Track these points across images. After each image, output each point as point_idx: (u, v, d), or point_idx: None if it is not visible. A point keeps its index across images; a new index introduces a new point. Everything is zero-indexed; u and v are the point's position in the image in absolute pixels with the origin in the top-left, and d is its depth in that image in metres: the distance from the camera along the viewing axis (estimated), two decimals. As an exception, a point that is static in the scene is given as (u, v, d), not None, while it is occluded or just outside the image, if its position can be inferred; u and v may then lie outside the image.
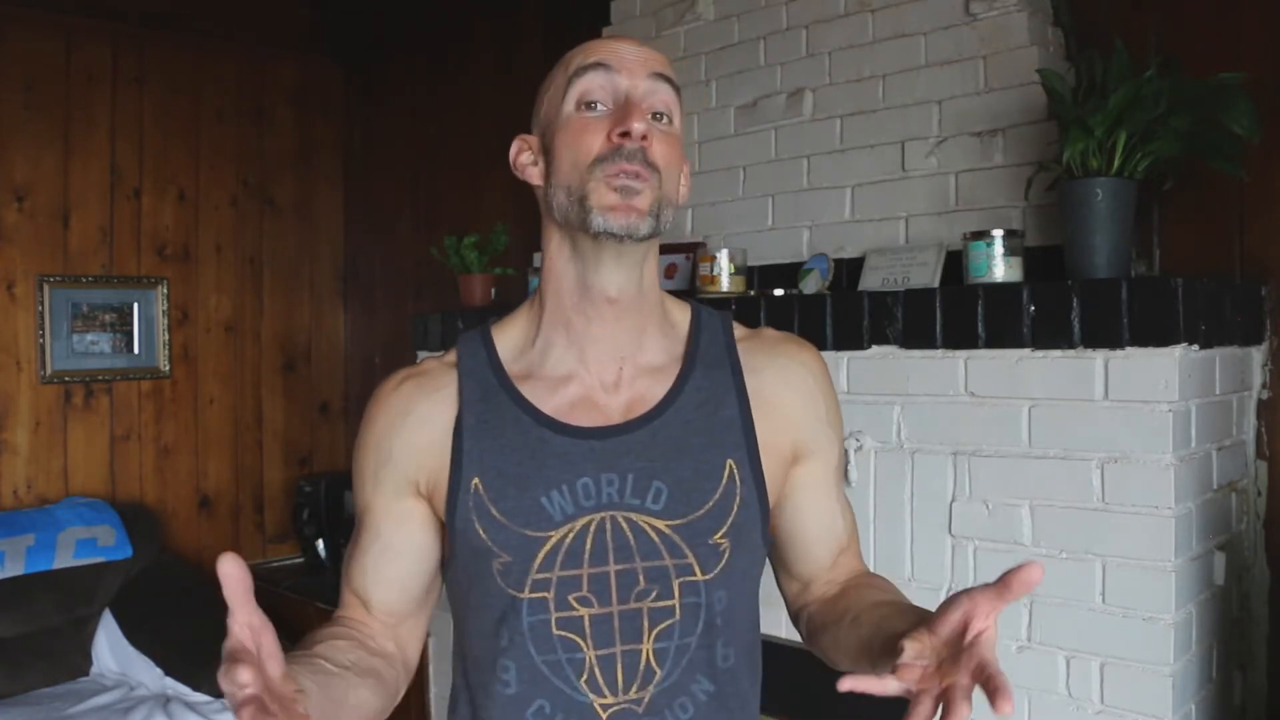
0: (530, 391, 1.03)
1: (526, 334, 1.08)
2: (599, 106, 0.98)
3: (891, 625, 0.92)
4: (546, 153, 1.02)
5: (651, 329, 1.06)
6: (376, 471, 1.07)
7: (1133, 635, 1.71)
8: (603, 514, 0.99)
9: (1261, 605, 1.97)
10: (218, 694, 2.97)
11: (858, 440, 2.05)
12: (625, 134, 0.95)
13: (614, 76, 0.98)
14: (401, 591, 1.07)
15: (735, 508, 1.02)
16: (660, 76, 1.00)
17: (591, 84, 0.98)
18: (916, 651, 0.79)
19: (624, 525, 0.99)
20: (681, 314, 1.11)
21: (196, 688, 2.99)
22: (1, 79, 3.47)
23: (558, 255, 1.03)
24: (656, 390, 1.04)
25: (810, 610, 1.13)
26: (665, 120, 1.00)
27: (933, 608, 0.85)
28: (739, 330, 1.12)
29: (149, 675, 3.08)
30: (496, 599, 1.00)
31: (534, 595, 0.98)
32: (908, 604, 1.00)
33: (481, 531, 0.99)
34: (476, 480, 1.00)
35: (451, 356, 1.08)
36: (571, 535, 0.99)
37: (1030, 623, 1.84)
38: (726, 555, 1.02)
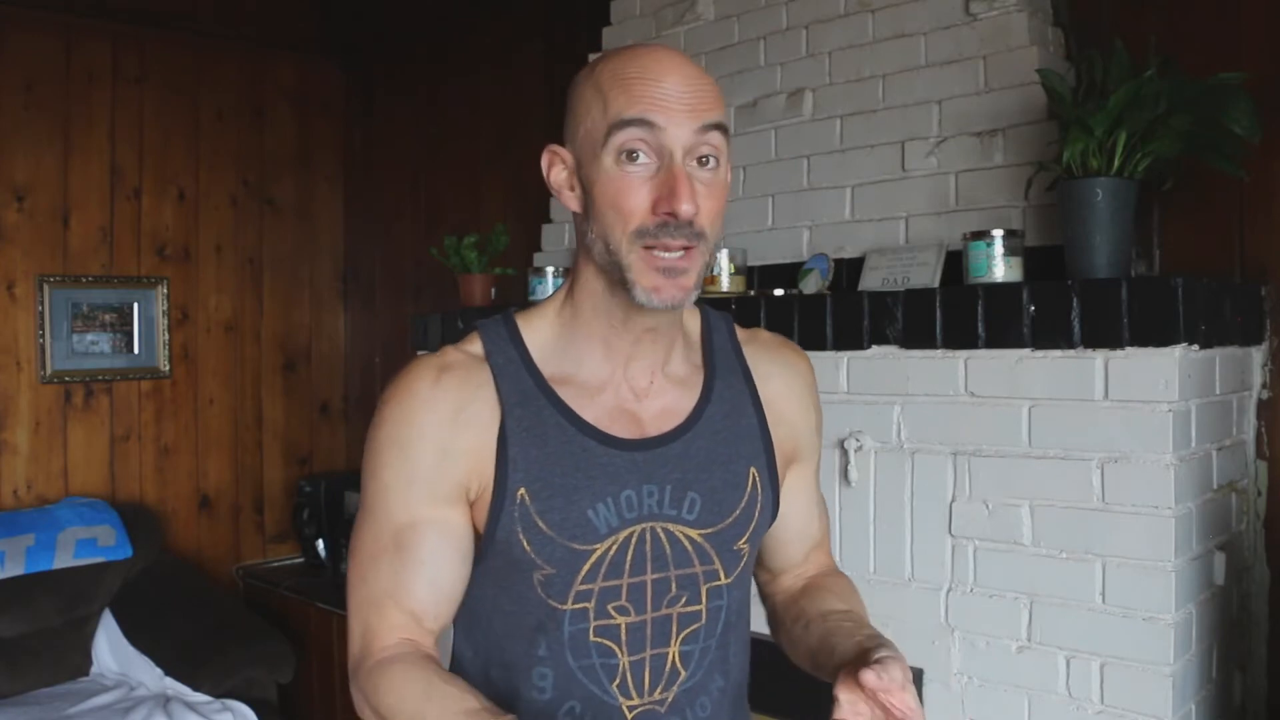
0: (569, 398, 1.01)
1: (558, 336, 1.04)
2: (640, 158, 0.92)
3: (834, 645, 0.98)
4: (585, 190, 0.97)
5: (677, 340, 1.07)
6: (431, 476, 0.98)
7: (1133, 635, 1.71)
8: (643, 525, 1.00)
9: (1261, 605, 1.97)
10: (217, 694, 2.97)
11: (858, 440, 2.05)
12: (671, 213, 0.91)
13: (659, 133, 0.91)
14: (456, 601, 1.03)
15: (756, 514, 1.06)
16: (710, 126, 0.93)
17: (632, 137, 0.92)
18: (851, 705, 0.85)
19: (661, 535, 1.01)
20: (692, 319, 1.12)
21: (196, 688, 2.98)
22: (1, 79, 3.47)
23: (596, 283, 1.00)
24: (685, 401, 1.06)
25: (775, 601, 1.18)
26: (712, 164, 0.94)
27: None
28: (740, 333, 1.14)
29: (149, 675, 3.08)
30: (535, 608, 1.00)
31: (576, 606, 0.99)
32: (853, 619, 1.04)
33: (525, 543, 0.97)
34: (523, 490, 0.97)
35: (477, 347, 1.03)
36: (615, 547, 0.99)
37: (1030, 623, 1.84)
38: (745, 558, 1.07)
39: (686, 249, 0.93)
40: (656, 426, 1.03)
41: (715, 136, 0.94)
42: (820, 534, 1.20)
